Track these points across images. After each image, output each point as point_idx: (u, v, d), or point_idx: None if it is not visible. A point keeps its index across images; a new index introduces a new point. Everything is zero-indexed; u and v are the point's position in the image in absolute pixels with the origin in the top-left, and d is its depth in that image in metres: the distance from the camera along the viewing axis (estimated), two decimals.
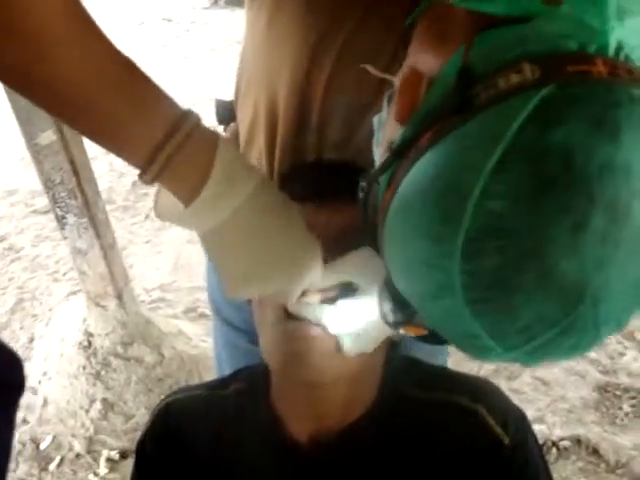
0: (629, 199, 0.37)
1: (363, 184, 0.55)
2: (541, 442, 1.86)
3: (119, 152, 0.55)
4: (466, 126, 0.40)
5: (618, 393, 2.08)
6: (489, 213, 0.38)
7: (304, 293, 0.61)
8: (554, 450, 1.91)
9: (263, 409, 0.74)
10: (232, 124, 0.87)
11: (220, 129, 0.91)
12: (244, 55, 0.81)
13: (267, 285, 0.59)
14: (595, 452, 1.92)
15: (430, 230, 0.41)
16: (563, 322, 0.39)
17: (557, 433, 1.95)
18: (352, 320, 0.62)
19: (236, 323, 0.97)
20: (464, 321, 0.42)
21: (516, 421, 0.71)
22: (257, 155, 0.79)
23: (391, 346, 0.73)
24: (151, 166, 0.53)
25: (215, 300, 1.02)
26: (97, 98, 0.51)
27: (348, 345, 0.62)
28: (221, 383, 0.80)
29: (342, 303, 0.62)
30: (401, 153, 0.46)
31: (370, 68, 0.61)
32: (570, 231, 0.37)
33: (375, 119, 0.57)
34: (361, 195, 0.55)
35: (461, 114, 0.41)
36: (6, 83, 0.51)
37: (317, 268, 0.60)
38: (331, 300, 0.62)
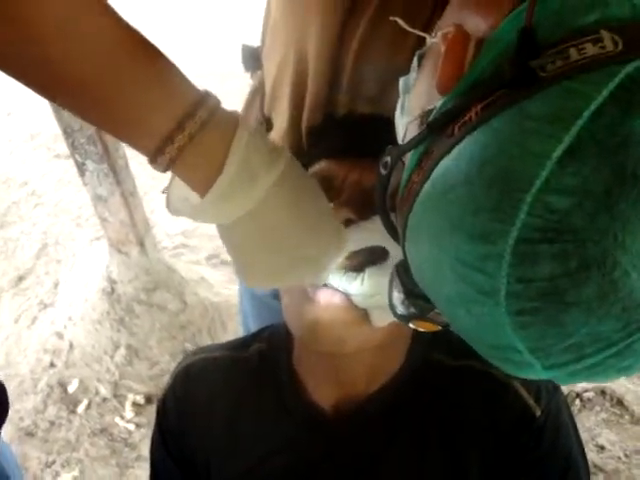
0: None
1: (386, 159, 0.47)
2: (565, 393, 1.84)
3: (127, 140, 0.48)
4: (529, 103, 0.33)
5: None
6: (551, 210, 0.32)
7: None
8: (578, 401, 1.90)
9: (285, 373, 0.71)
10: (259, 72, 0.83)
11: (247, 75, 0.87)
12: (269, 5, 0.75)
13: (289, 279, 0.54)
14: (619, 403, 1.90)
15: (474, 225, 0.34)
16: (621, 344, 0.34)
17: (581, 384, 1.93)
18: (381, 289, 0.56)
19: None
20: (503, 333, 0.36)
21: (548, 392, 0.68)
22: (282, 110, 0.75)
23: None
24: (161, 156, 0.46)
25: None
26: (98, 82, 0.44)
27: (376, 315, 0.58)
28: (242, 343, 0.78)
29: (371, 270, 0.57)
30: (439, 128, 0.39)
31: (403, 24, 0.53)
32: None
33: (401, 81, 0.49)
34: (382, 172, 0.47)
35: (522, 88, 0.34)
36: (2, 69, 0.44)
37: (338, 258, 0.55)
38: (359, 266, 0.57)
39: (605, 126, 0.31)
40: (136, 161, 2.32)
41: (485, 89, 0.36)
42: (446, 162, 0.37)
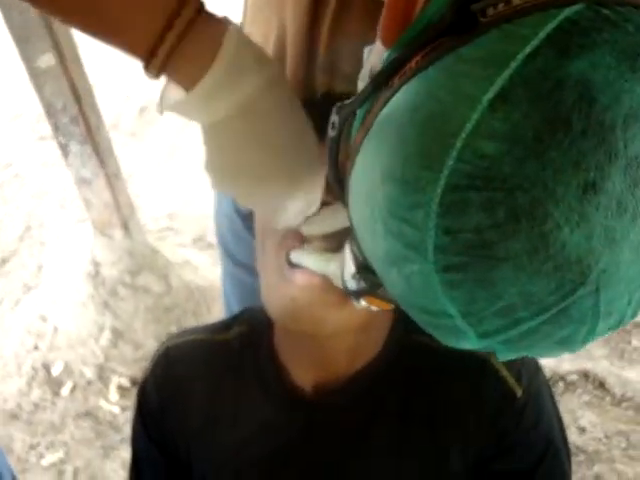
0: None
1: (334, 119, 0.44)
2: (548, 376, 1.86)
3: (120, 45, 0.49)
4: (466, 48, 0.32)
5: (628, 328, 2.07)
6: (480, 156, 0.30)
7: (306, 239, 0.57)
8: (561, 384, 1.92)
9: (265, 355, 0.71)
10: None
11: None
12: None
13: (257, 187, 0.53)
14: (601, 385, 1.92)
15: (403, 173, 0.33)
16: (555, 308, 0.32)
17: (565, 367, 1.95)
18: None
19: (244, 260, 0.93)
20: (433, 294, 0.34)
21: (530, 372, 0.68)
22: None
23: None
24: (153, 58, 0.47)
25: (223, 236, 0.99)
26: None
27: None
28: (222, 326, 0.77)
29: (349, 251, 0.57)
30: (383, 82, 0.37)
31: None
32: (579, 191, 0.29)
33: (366, 50, 0.47)
34: (331, 134, 0.45)
35: (462, 33, 0.32)
36: None
37: (316, 191, 0.53)
38: (337, 247, 0.56)
39: (539, 70, 0.30)
40: (120, 142, 2.30)
41: (427, 38, 0.35)
42: (384, 112, 0.36)
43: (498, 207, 0.30)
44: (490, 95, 0.30)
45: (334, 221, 0.57)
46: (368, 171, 0.37)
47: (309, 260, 0.56)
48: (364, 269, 0.47)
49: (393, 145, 0.34)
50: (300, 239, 0.57)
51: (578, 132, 0.29)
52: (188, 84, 0.49)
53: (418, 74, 0.34)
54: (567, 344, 0.35)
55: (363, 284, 0.50)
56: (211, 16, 0.49)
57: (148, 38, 0.47)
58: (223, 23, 0.49)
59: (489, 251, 0.31)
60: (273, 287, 0.61)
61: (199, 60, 0.48)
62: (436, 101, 0.32)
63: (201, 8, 0.48)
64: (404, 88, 0.35)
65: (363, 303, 0.54)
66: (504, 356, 0.38)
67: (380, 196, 0.35)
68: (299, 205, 0.54)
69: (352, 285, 0.51)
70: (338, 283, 0.56)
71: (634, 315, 0.36)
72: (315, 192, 0.54)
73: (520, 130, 0.30)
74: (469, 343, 0.37)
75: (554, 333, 0.34)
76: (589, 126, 0.29)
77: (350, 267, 0.51)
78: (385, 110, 0.36)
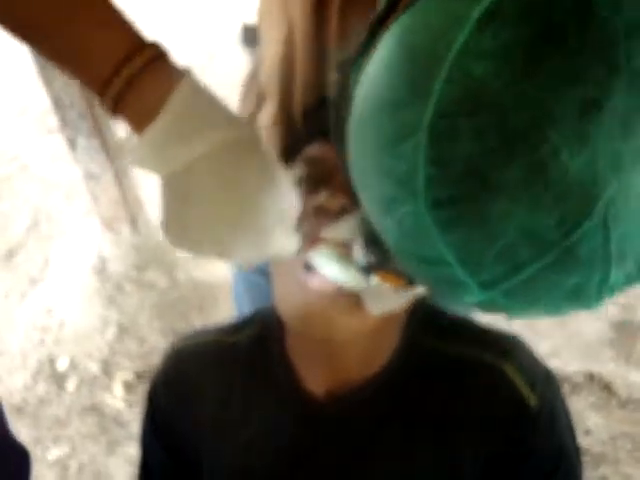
0: None
1: (336, 77, 0.43)
2: None
3: (78, 80, 0.47)
4: None
5: (635, 330, 2.06)
6: (469, 79, 0.28)
7: (325, 244, 0.56)
8: (566, 385, 1.91)
9: (276, 359, 0.71)
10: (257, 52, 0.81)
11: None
12: None
13: (219, 248, 0.49)
14: (607, 388, 1.92)
15: (393, 104, 0.30)
16: (559, 246, 0.29)
17: (571, 369, 1.94)
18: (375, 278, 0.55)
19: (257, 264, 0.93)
20: (428, 237, 0.32)
21: (543, 381, 0.68)
22: (274, 92, 0.74)
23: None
24: (103, 99, 0.45)
25: None
26: (46, 21, 0.44)
27: (371, 305, 0.56)
28: (233, 328, 0.77)
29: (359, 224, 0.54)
30: (379, 25, 0.36)
31: None
32: (579, 109, 0.27)
33: None
34: (334, 94, 0.43)
35: None
36: None
37: (289, 245, 0.51)
38: (359, 272, 0.55)
39: None
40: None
41: None
42: (375, 55, 0.34)
43: (489, 132, 0.28)
44: (478, 13, 0.28)
45: (354, 227, 0.56)
46: (361, 110, 0.35)
47: (325, 265, 0.56)
48: (373, 243, 0.45)
49: (383, 78, 0.32)
50: (318, 243, 0.56)
51: (574, 46, 0.27)
52: (136, 131, 0.46)
53: (408, 9, 0.33)
54: (579, 296, 0.32)
55: (373, 258, 0.48)
56: (166, 63, 0.47)
57: (98, 79, 0.45)
58: (180, 72, 0.46)
59: (482, 182, 0.29)
60: (287, 290, 0.60)
61: (145, 110, 0.45)
62: (424, 27, 0.30)
63: (157, 57, 0.46)
64: (394, 25, 0.33)
65: (376, 281, 0.52)
66: (512, 312, 0.34)
67: (371, 131, 0.33)
68: (270, 256, 0.52)
69: (362, 261, 0.50)
70: (353, 288, 0.56)
71: None
72: (287, 246, 0.51)
73: (510, 47, 0.28)
74: (472, 296, 0.34)
75: (562, 281, 0.31)
76: (586, 39, 0.27)
77: (360, 241, 0.49)
78: (378, 50, 0.34)
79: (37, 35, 0.46)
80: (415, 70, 0.30)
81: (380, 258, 0.47)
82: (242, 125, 0.47)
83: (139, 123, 0.46)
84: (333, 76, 0.67)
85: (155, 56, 0.46)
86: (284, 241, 0.51)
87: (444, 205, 0.30)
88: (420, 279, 0.38)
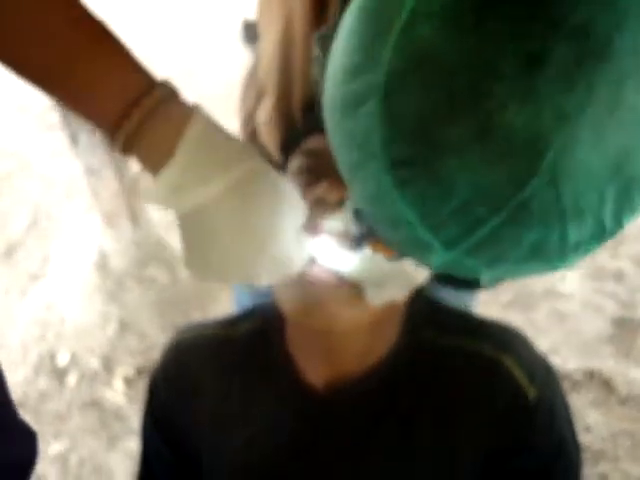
0: (609, 29, 0.27)
1: (317, 51, 0.43)
2: None
3: (88, 118, 0.47)
4: None
5: (635, 327, 2.06)
6: (417, 39, 0.29)
7: (326, 234, 0.56)
8: (566, 382, 1.91)
9: (276, 352, 0.71)
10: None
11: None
12: None
13: (243, 277, 0.51)
14: (607, 385, 1.92)
15: (352, 69, 0.32)
16: (512, 202, 0.29)
17: (570, 365, 1.94)
18: (376, 267, 0.55)
19: None
20: (389, 198, 0.33)
21: (542, 373, 0.68)
22: (273, 85, 0.74)
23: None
24: (114, 142, 0.46)
25: None
26: (53, 66, 0.45)
27: (372, 295, 0.57)
28: (233, 322, 0.77)
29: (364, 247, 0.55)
30: None
31: None
32: (523, 64, 0.27)
33: None
34: (317, 57, 0.44)
35: None
36: None
37: (304, 255, 0.54)
38: (351, 243, 0.55)
39: None
40: None
41: None
42: (341, 23, 0.35)
43: (437, 89, 0.29)
44: None
45: (350, 217, 0.56)
46: (328, 79, 0.36)
47: (324, 256, 0.56)
48: (358, 210, 0.46)
49: (343, 43, 0.33)
50: (319, 234, 0.56)
51: (516, 3, 0.27)
52: (151, 172, 0.47)
53: None
54: (541, 253, 0.32)
55: (364, 228, 0.49)
56: (176, 102, 0.47)
57: (109, 122, 0.45)
58: (190, 110, 0.46)
59: (432, 140, 0.30)
60: (286, 282, 0.60)
61: (158, 151, 0.45)
62: None
63: (167, 97, 0.46)
64: None
65: (369, 252, 0.53)
66: (480, 272, 0.35)
67: (335, 98, 0.34)
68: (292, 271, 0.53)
69: (355, 231, 0.51)
70: (354, 277, 0.56)
71: (619, 220, 0.32)
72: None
73: (455, 7, 0.28)
74: (438, 257, 0.35)
75: (520, 237, 0.32)
76: None
77: (348, 213, 0.50)
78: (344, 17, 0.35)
79: (48, 79, 0.46)
80: (369, 34, 0.31)
81: (369, 227, 0.48)
82: (253, 154, 0.48)
83: (153, 164, 0.46)
84: (315, 51, 0.67)
85: (165, 96, 0.46)
86: (301, 254, 0.53)
87: (400, 165, 0.31)
88: (392, 244, 0.39)
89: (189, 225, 0.48)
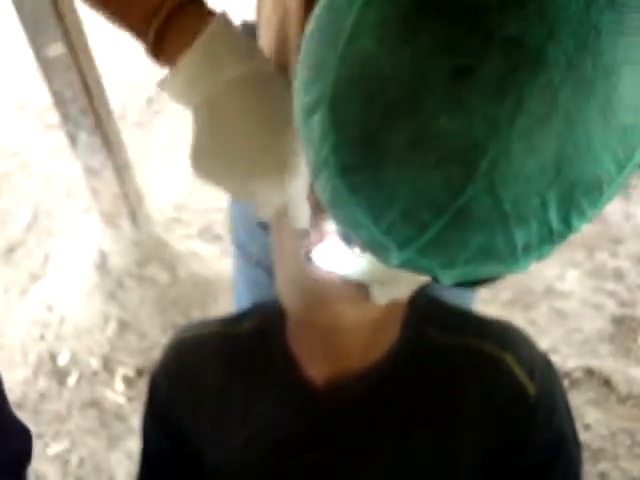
0: (542, 41, 0.27)
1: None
2: None
3: (125, 25, 0.53)
4: None
5: (634, 326, 2.07)
6: (359, 50, 0.30)
7: (329, 237, 0.56)
8: (566, 381, 1.91)
9: (277, 349, 0.71)
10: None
11: None
12: None
13: (234, 171, 0.53)
14: (606, 383, 1.92)
15: (309, 77, 0.34)
16: (451, 207, 0.31)
17: (570, 364, 1.95)
18: (381, 267, 0.55)
19: (259, 258, 0.93)
20: (345, 203, 0.34)
21: (542, 370, 0.68)
22: None
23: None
24: (145, 39, 0.51)
25: (237, 233, 0.99)
26: None
27: (377, 294, 0.56)
28: (234, 320, 0.77)
29: None
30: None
31: None
32: (453, 75, 0.28)
33: None
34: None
35: None
36: None
37: (303, 177, 0.53)
38: (354, 242, 0.55)
39: None
40: (127, 133, 2.30)
41: None
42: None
43: (374, 99, 0.30)
44: None
45: None
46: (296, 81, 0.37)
47: (328, 255, 0.55)
48: None
49: (304, 49, 0.35)
50: (322, 236, 0.56)
51: (449, 15, 0.28)
52: (172, 65, 0.52)
53: None
54: (491, 256, 0.33)
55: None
56: (202, 6, 0.52)
57: (140, 21, 0.51)
58: (215, 12, 0.52)
59: (374, 148, 0.31)
60: (290, 280, 0.60)
61: (183, 43, 0.50)
62: (330, 3, 0.33)
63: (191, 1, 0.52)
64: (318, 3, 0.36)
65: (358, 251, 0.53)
66: (437, 273, 0.36)
67: (298, 105, 0.36)
68: (285, 197, 0.54)
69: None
70: (357, 276, 0.56)
71: (568, 224, 0.33)
72: (301, 181, 0.53)
73: (390, 19, 0.29)
74: (395, 257, 0.36)
75: (466, 240, 0.33)
76: (460, 9, 0.28)
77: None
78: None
79: None
80: (321, 43, 0.33)
81: None
82: (267, 60, 0.53)
83: (172, 57, 0.51)
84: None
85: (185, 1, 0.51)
86: (298, 163, 0.53)
87: (349, 171, 0.33)
88: (358, 244, 0.42)
89: (200, 117, 0.52)
